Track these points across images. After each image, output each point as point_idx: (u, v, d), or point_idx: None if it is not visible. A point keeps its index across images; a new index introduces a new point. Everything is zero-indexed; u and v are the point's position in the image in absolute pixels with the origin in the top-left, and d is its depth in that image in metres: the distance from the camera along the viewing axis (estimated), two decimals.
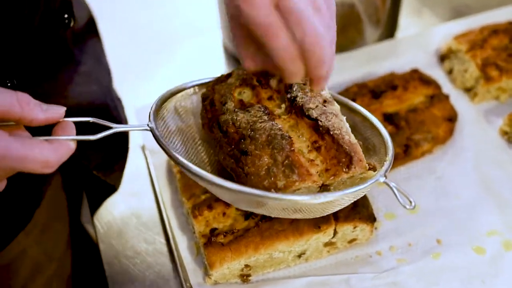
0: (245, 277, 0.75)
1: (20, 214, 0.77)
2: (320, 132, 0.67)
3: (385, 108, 0.90)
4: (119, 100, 0.92)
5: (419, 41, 1.05)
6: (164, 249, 0.82)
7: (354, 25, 1.01)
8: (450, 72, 1.00)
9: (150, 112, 0.68)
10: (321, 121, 0.67)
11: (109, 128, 0.63)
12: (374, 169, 0.69)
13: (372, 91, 0.92)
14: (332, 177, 0.65)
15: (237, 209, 0.75)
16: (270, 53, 0.56)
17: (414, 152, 0.87)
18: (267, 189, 0.63)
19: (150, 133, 0.67)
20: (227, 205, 0.75)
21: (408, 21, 1.15)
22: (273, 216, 0.71)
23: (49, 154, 0.53)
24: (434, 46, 1.04)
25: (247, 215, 0.75)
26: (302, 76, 0.58)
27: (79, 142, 0.58)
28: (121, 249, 0.82)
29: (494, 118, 0.94)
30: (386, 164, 0.69)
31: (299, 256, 0.76)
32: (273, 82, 0.71)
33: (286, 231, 0.73)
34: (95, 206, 0.89)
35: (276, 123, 0.67)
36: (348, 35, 1.03)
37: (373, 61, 1.01)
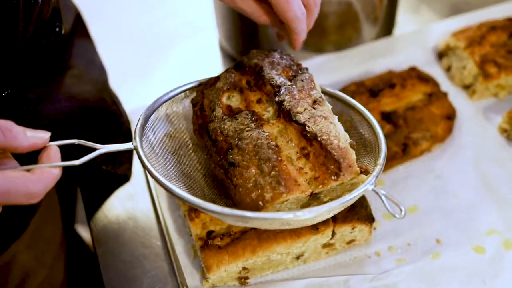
0: (243, 280, 0.75)
1: (15, 224, 0.76)
2: (308, 138, 0.66)
3: (383, 107, 0.89)
4: (116, 97, 0.91)
5: (417, 38, 1.04)
6: (161, 252, 0.81)
7: (351, 23, 1.00)
8: (448, 69, 1.00)
9: (135, 129, 0.68)
10: (308, 126, 0.66)
11: (94, 149, 0.63)
12: (366, 172, 0.67)
13: (370, 89, 0.91)
14: (321, 186, 0.64)
15: None
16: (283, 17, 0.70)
17: (413, 151, 0.86)
18: (255, 201, 0.62)
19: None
20: None
21: (405, 18, 1.14)
22: (263, 229, 0.70)
23: (33, 186, 0.53)
24: (432, 43, 1.03)
25: None
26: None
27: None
28: (117, 252, 0.81)
29: (493, 116, 0.93)
30: (376, 169, 0.67)
31: (297, 258, 0.76)
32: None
33: (283, 233, 0.73)
34: (94, 207, 0.88)
35: (264, 131, 0.66)
36: (346, 33, 1.02)
37: (370, 59, 1.01)
